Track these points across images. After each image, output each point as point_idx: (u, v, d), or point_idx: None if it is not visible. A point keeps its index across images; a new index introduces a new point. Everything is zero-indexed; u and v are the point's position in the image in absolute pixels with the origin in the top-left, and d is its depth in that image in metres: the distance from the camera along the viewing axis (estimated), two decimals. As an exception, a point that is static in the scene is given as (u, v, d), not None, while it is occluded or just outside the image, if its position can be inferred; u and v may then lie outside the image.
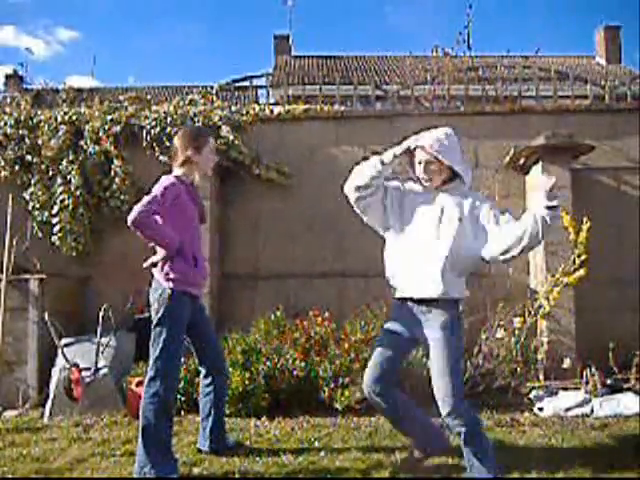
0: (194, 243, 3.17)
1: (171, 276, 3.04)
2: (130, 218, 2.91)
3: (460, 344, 2.88)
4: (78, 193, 5.42)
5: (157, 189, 3.01)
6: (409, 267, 2.84)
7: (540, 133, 5.00)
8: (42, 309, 4.69)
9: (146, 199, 2.96)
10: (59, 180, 5.48)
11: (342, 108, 5.96)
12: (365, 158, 3.06)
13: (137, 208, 2.92)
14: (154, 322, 3.03)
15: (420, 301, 2.83)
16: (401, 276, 2.88)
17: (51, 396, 4.35)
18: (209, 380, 3.35)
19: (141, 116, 5.64)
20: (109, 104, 5.95)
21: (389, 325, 2.98)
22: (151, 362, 3.02)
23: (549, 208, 2.61)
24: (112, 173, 5.50)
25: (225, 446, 3.36)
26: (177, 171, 3.18)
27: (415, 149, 2.89)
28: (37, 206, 5.50)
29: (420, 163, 2.88)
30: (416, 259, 2.82)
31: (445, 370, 2.74)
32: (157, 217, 3.02)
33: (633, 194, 5.47)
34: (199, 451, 3.37)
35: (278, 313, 4.77)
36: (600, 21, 20.09)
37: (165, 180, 3.07)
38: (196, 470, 3.14)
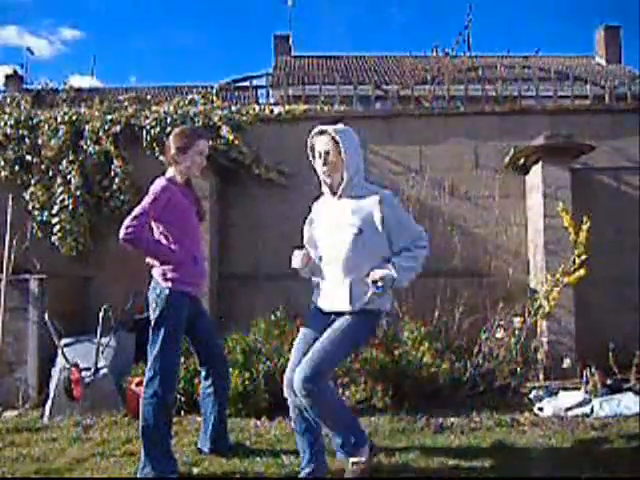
0: (193, 243, 3.17)
1: (169, 276, 3.04)
2: (120, 234, 2.94)
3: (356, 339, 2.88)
4: (78, 193, 5.42)
5: (146, 199, 3.02)
6: (325, 283, 2.90)
7: (540, 133, 5.00)
8: (42, 309, 4.69)
9: (135, 212, 2.97)
10: (59, 180, 5.48)
11: (342, 108, 5.96)
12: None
13: (126, 223, 2.94)
14: (152, 322, 3.03)
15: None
16: (319, 290, 2.95)
17: (51, 396, 4.35)
18: (209, 382, 3.34)
19: (141, 116, 5.64)
20: (109, 104, 5.95)
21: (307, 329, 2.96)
22: (150, 362, 3.02)
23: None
24: (112, 173, 5.50)
25: (225, 447, 3.36)
26: (169, 171, 3.20)
27: (314, 142, 2.93)
28: (37, 206, 5.51)
29: (320, 157, 2.89)
30: (328, 276, 2.87)
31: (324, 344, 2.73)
32: (152, 224, 3.06)
33: (633, 194, 5.46)
34: (199, 451, 3.37)
35: (278, 313, 4.76)
36: (600, 21, 20.06)
37: (157, 185, 3.06)
38: (196, 470, 3.13)
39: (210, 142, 5.18)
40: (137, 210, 2.98)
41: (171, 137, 3.20)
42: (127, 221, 2.95)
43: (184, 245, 3.09)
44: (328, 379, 2.84)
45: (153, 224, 3.08)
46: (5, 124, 5.67)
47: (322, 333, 2.83)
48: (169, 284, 3.03)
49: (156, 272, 3.09)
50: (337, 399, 2.97)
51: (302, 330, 2.99)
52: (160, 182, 3.08)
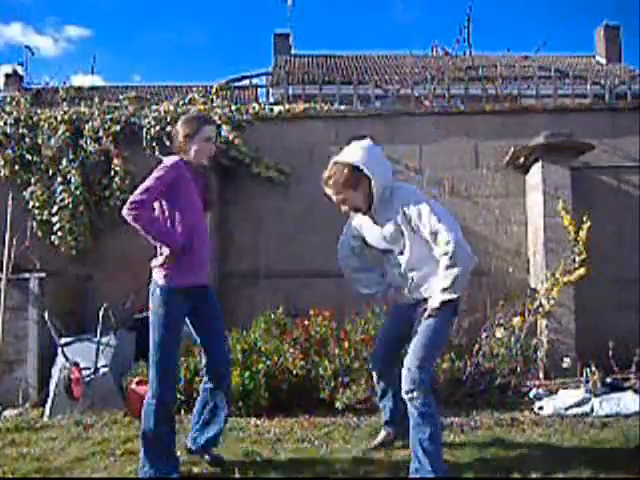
0: (195, 229, 3.01)
1: (165, 272, 2.94)
2: (124, 211, 2.83)
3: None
4: (78, 192, 5.41)
5: (153, 174, 2.90)
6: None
7: (540, 132, 5.00)
8: (42, 308, 4.69)
9: (141, 187, 2.85)
10: (59, 179, 5.47)
11: (342, 107, 5.96)
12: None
13: (131, 198, 2.83)
14: (150, 322, 2.96)
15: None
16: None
17: (51, 395, 4.35)
18: (210, 385, 3.18)
19: (141, 115, 5.64)
20: (109, 103, 5.94)
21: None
22: (150, 362, 2.97)
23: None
24: (112, 172, 5.49)
25: (205, 451, 3.21)
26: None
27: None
28: (37, 205, 5.49)
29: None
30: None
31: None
32: (155, 204, 2.94)
33: (633, 193, 5.46)
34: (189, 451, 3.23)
35: (278, 312, 4.77)
36: (600, 20, 20.04)
37: (166, 161, 2.96)
38: (196, 470, 3.13)
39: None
40: (143, 185, 2.85)
41: (178, 125, 3.08)
42: (132, 196, 2.83)
43: (185, 229, 2.96)
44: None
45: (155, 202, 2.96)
46: (5, 123, 5.66)
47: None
48: (163, 281, 2.93)
49: (154, 266, 2.98)
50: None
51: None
52: (170, 159, 2.96)
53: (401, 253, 2.96)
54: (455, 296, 2.81)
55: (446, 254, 2.75)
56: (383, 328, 3.46)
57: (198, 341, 3.22)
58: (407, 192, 2.94)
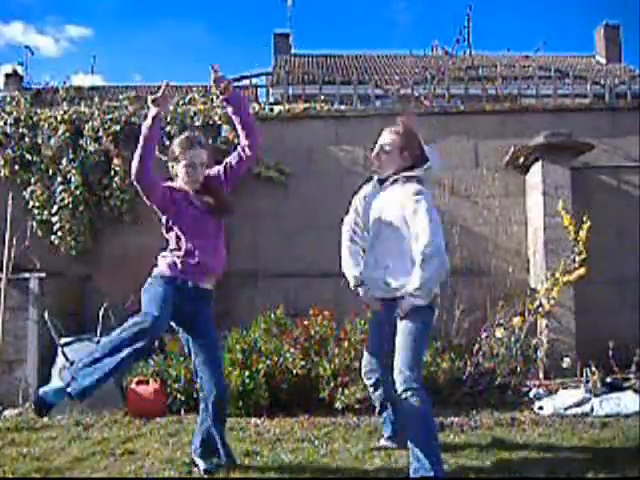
0: (194, 238, 2.97)
1: (161, 262, 3.04)
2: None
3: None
4: (78, 192, 5.41)
5: None
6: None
7: (540, 132, 5.00)
8: (42, 308, 4.69)
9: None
10: (59, 179, 5.47)
11: (342, 107, 5.95)
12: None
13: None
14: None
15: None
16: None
17: (51, 395, 4.35)
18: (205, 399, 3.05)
19: (141, 115, 5.63)
20: (109, 103, 5.94)
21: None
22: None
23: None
24: (112, 172, 5.49)
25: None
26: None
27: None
28: (37, 205, 5.50)
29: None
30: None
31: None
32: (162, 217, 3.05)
33: (633, 193, 5.46)
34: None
35: (278, 312, 4.77)
36: (600, 20, 20.09)
37: None
38: (196, 469, 3.13)
39: (210, 141, 5.20)
40: None
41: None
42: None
43: (186, 239, 2.97)
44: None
45: (163, 217, 3.03)
46: (5, 123, 5.66)
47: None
48: (156, 270, 3.02)
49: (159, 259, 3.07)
50: None
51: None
52: None
53: (386, 238, 3.03)
54: (424, 302, 2.86)
55: (422, 255, 2.81)
56: (369, 338, 3.43)
57: (192, 354, 3.10)
58: (419, 188, 3.00)
